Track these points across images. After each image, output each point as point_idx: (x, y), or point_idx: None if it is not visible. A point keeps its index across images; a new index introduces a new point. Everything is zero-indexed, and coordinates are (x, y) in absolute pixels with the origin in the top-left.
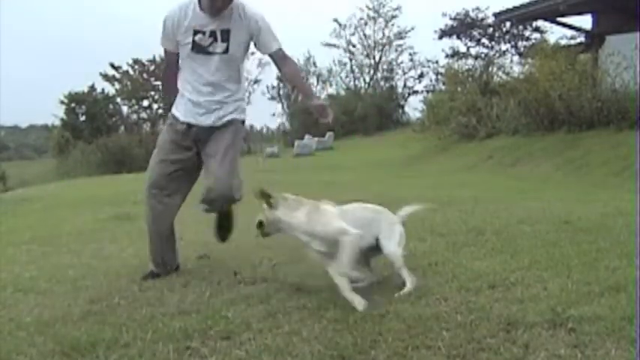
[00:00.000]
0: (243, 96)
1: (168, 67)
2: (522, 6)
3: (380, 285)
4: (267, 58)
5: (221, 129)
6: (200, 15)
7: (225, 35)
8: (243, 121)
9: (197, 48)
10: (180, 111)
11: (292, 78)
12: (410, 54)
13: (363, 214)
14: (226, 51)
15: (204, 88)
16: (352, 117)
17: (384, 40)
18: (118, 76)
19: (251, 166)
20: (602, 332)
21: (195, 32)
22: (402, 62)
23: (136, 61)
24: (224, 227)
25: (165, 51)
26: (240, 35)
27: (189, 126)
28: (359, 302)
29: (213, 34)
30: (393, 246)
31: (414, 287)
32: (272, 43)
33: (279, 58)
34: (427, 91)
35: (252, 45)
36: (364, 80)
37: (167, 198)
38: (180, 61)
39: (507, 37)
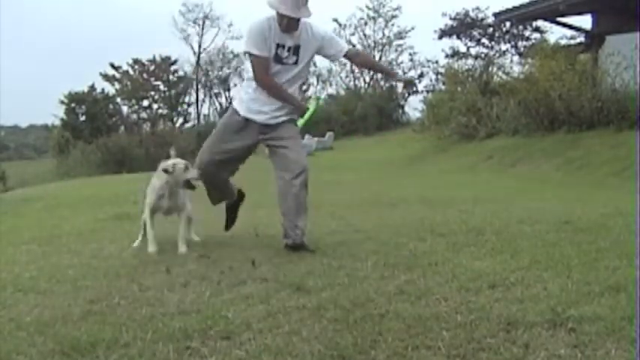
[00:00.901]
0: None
1: (266, 72)
2: (522, 6)
3: (380, 285)
4: None
5: (285, 124)
6: (279, 31)
7: (296, 50)
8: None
9: (277, 59)
10: (244, 108)
11: (370, 64)
12: (410, 54)
13: None
14: (296, 63)
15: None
16: (352, 117)
17: (384, 40)
18: (118, 76)
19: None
20: (602, 332)
21: (278, 46)
22: (402, 62)
23: (136, 61)
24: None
25: (258, 57)
26: (308, 50)
27: (247, 120)
28: None
29: (290, 49)
30: None
31: None
32: (342, 46)
33: (353, 55)
34: (427, 91)
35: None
36: (364, 80)
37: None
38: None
39: (507, 37)
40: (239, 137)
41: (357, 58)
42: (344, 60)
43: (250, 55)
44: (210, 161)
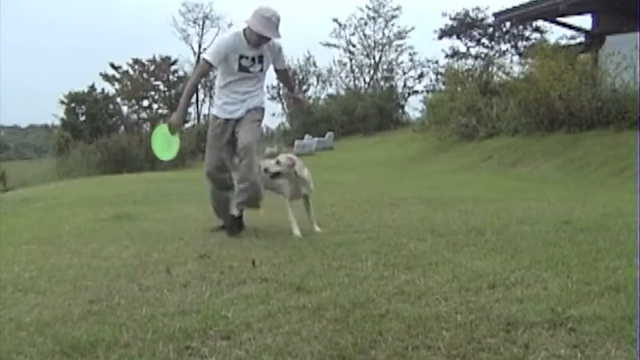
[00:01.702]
0: (263, 96)
1: (201, 76)
2: (522, 6)
3: (380, 285)
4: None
5: (246, 114)
6: (244, 45)
7: (260, 59)
8: (262, 108)
9: (241, 68)
10: (219, 111)
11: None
12: (410, 54)
13: None
14: (261, 70)
15: (241, 97)
16: (352, 117)
17: (384, 40)
18: (118, 76)
19: None
20: (602, 332)
21: (241, 57)
22: (402, 62)
23: (136, 61)
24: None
25: (207, 63)
26: (269, 59)
27: (227, 120)
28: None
29: (254, 58)
30: None
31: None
32: (285, 63)
33: (286, 72)
34: (427, 91)
35: None
36: (364, 80)
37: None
38: (220, 75)
39: (507, 37)
40: (224, 137)
41: (282, 75)
42: (344, 60)
43: (204, 60)
44: (215, 167)
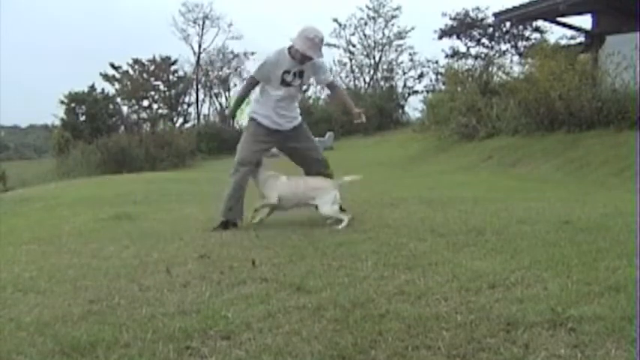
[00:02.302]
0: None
1: (248, 88)
2: (522, 6)
3: (380, 285)
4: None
5: (296, 130)
6: (287, 60)
7: (301, 74)
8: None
9: (283, 82)
10: (264, 120)
11: (341, 100)
12: (410, 54)
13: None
14: (301, 84)
15: (281, 111)
16: (352, 117)
17: (384, 40)
18: (118, 76)
19: None
20: (602, 332)
21: (284, 72)
22: (402, 62)
23: (136, 61)
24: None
25: (254, 79)
26: (309, 74)
27: (270, 130)
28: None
29: (295, 73)
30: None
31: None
32: (328, 77)
33: (332, 87)
34: (427, 91)
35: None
36: (364, 80)
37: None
38: (263, 86)
39: (507, 37)
40: (263, 144)
41: (334, 91)
42: (344, 60)
43: (251, 76)
44: (247, 161)
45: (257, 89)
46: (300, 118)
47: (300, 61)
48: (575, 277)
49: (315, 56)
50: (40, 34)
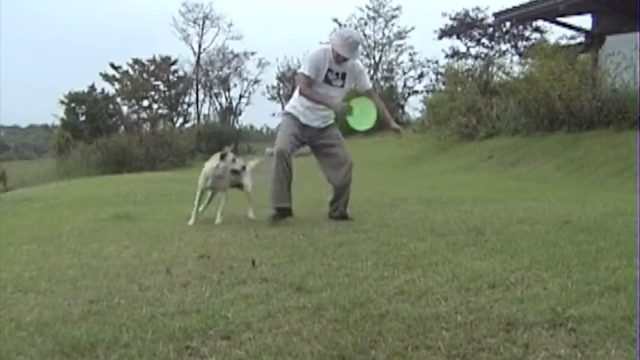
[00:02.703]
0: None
1: (309, 87)
2: (522, 6)
3: (380, 285)
4: (266, 59)
5: (327, 129)
6: (331, 60)
7: (343, 75)
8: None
9: (326, 80)
10: (301, 115)
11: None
12: (410, 54)
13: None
14: (342, 86)
15: (321, 111)
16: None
17: (384, 40)
18: (118, 76)
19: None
20: (602, 332)
21: (329, 70)
22: (402, 62)
23: (136, 61)
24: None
25: (309, 77)
26: (350, 77)
27: (304, 125)
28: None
29: (338, 74)
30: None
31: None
32: (367, 84)
33: (372, 94)
34: (427, 91)
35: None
36: None
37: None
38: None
39: (507, 37)
40: (297, 135)
41: (372, 100)
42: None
43: (303, 74)
44: (285, 151)
45: (298, 87)
46: (333, 121)
47: (337, 59)
48: (575, 277)
49: (347, 55)
50: (40, 34)
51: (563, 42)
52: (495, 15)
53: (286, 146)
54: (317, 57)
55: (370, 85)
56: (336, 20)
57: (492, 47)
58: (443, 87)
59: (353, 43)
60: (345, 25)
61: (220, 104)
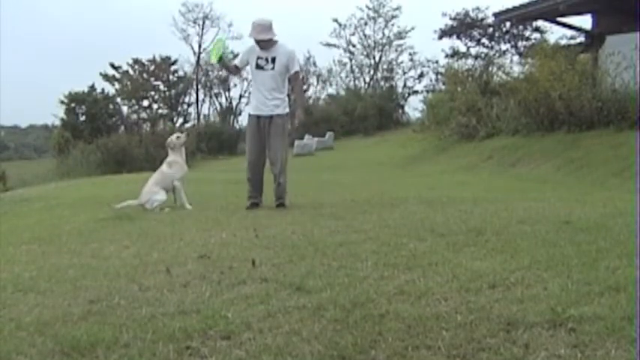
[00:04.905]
0: (285, 98)
1: (233, 72)
2: (522, 6)
3: (380, 285)
4: None
5: (274, 118)
6: (259, 49)
7: (273, 60)
8: (286, 114)
9: (258, 67)
10: (250, 109)
11: (295, 93)
12: (410, 54)
13: None
14: (273, 68)
15: (262, 97)
16: (352, 117)
17: (384, 40)
18: (118, 76)
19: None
20: (602, 332)
21: (258, 58)
22: (402, 62)
23: (136, 61)
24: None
25: (237, 66)
26: (281, 61)
27: (258, 117)
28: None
29: (267, 59)
30: None
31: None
32: (295, 68)
33: (293, 78)
34: (427, 91)
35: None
36: (364, 80)
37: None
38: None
39: (507, 37)
40: (256, 129)
41: (292, 83)
42: (344, 60)
43: (234, 65)
44: (252, 157)
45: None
46: (281, 111)
47: (260, 46)
48: (575, 277)
49: (257, 37)
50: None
51: (563, 42)
52: (495, 15)
53: (252, 157)
54: (246, 50)
55: (296, 68)
56: (336, 20)
57: (492, 47)
58: (443, 87)
59: (257, 26)
60: (345, 25)
61: (220, 104)
